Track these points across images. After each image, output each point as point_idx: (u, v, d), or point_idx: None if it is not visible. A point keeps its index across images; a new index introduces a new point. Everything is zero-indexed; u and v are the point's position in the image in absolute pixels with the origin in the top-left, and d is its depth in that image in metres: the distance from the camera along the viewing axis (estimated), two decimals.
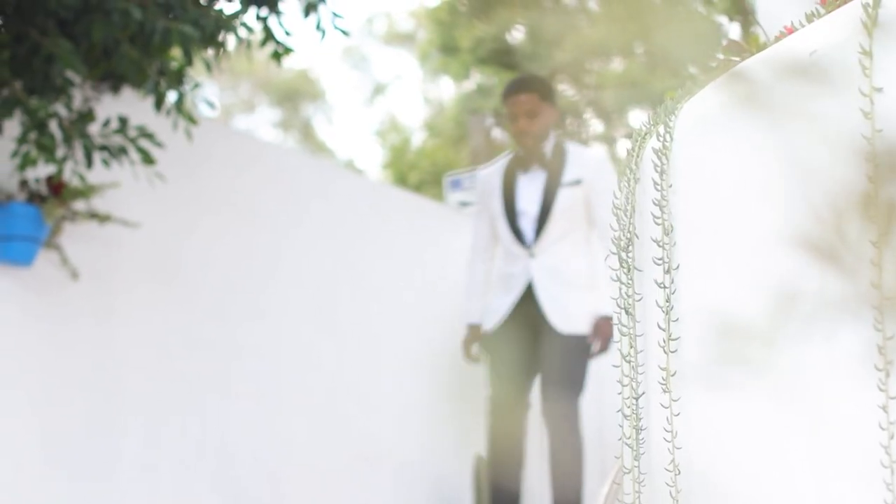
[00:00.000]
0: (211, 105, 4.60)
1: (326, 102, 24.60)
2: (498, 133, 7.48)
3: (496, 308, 4.67)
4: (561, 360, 4.43)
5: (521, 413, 4.51)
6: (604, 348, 4.55)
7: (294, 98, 22.64)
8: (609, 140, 16.40)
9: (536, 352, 4.51)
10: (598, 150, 4.98)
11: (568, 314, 4.48)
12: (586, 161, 4.66)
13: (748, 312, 1.56)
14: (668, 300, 1.77)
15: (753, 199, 1.60)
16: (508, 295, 4.60)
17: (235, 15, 4.21)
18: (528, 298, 4.55)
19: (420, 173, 15.25)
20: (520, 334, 4.51)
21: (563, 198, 4.57)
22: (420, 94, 23.33)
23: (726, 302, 1.63)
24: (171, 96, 4.37)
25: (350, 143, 29.19)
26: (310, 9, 4.34)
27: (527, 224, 4.62)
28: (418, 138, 18.97)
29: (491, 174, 4.85)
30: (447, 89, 19.13)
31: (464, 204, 7.05)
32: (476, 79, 16.22)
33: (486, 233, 4.82)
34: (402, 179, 15.25)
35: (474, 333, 4.79)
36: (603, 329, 4.50)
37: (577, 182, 4.58)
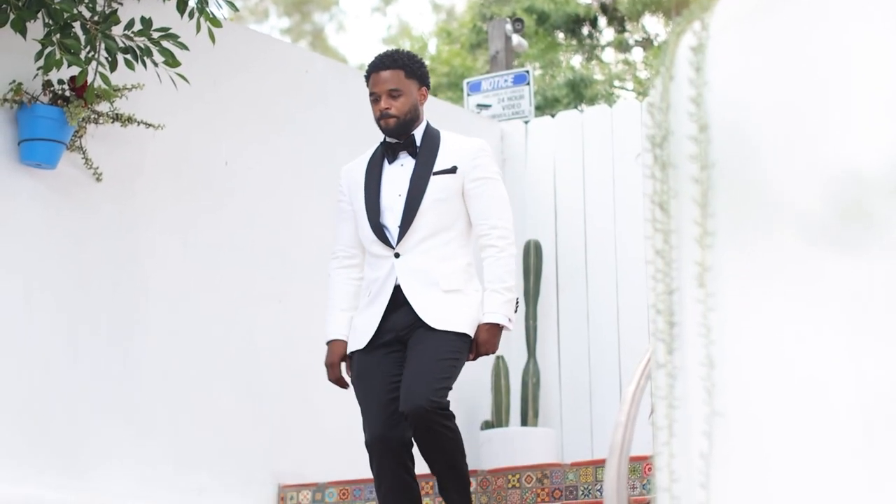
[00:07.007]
0: (234, 7, 4.57)
1: (338, 8, 24.43)
2: (517, 39, 7.44)
3: (360, 326, 4.04)
4: (429, 352, 3.87)
5: (405, 452, 3.93)
6: (482, 355, 4.04)
7: (305, 5, 22.47)
8: (623, 46, 16.27)
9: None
10: (477, 139, 3.96)
11: (442, 312, 3.90)
12: (464, 148, 4.06)
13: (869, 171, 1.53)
14: (704, 196, 1.79)
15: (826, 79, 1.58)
16: (373, 306, 4.00)
17: None
18: (397, 306, 3.95)
19: (436, 77, 15.16)
20: (392, 356, 3.97)
21: (434, 188, 3.97)
22: (429, 1, 23.10)
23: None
24: None
25: (361, 51, 28.95)
26: None
27: (391, 220, 4.01)
28: (432, 45, 18.83)
29: (353, 168, 4.23)
30: None
31: (482, 106, 7.01)
32: None
33: (348, 237, 4.18)
34: None
35: (336, 350, 4.12)
36: (485, 338, 3.96)
37: (452, 170, 3.99)
